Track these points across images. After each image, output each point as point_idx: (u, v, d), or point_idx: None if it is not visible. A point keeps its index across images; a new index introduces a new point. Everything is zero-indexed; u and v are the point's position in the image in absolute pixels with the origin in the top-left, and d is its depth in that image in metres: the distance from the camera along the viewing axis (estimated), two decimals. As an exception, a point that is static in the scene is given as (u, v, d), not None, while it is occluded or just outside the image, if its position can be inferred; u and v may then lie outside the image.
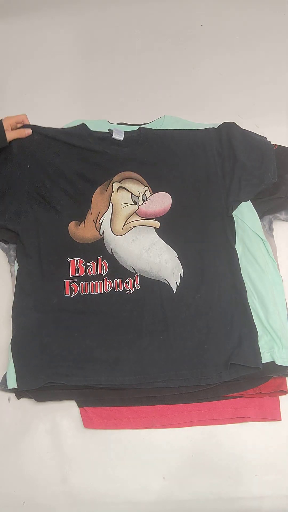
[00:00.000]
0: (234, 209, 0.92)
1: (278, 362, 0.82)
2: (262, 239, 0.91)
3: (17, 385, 0.81)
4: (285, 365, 0.82)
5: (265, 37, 1.23)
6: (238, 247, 0.91)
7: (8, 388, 0.82)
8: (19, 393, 0.85)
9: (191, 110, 1.12)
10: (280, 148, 1.00)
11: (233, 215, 0.92)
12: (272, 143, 1.00)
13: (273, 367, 0.82)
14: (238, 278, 0.87)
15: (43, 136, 0.95)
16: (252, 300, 0.87)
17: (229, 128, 0.97)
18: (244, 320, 0.84)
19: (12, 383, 0.82)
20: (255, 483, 0.81)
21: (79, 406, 0.86)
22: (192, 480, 0.81)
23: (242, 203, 0.93)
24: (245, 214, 0.93)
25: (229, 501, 0.80)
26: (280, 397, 0.85)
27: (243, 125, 1.03)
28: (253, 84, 1.17)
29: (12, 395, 0.86)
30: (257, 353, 0.81)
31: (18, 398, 0.86)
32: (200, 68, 1.20)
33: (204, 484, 0.81)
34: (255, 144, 0.96)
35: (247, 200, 0.93)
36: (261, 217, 0.95)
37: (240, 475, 0.81)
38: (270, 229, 0.97)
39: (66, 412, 0.85)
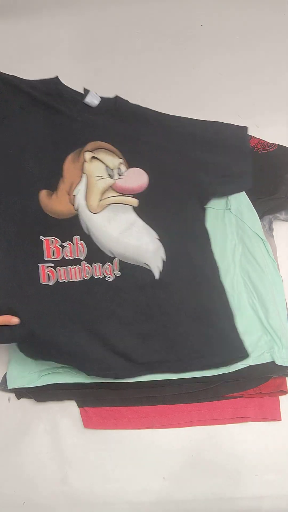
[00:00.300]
0: (209, 201, 0.90)
1: (278, 362, 0.81)
2: (262, 239, 0.91)
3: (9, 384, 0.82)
4: (285, 365, 0.82)
5: (265, 37, 1.23)
6: (238, 247, 0.91)
7: (8, 388, 0.82)
8: (19, 393, 0.85)
9: (191, 110, 1.11)
10: (280, 148, 1.00)
11: (233, 214, 0.92)
12: (271, 142, 1.00)
13: (273, 367, 0.82)
14: (215, 269, 0.86)
15: (5, 84, 0.85)
16: (252, 300, 0.87)
17: (202, 125, 0.95)
18: (225, 311, 0.84)
19: (12, 383, 0.82)
20: (255, 483, 0.81)
21: (79, 406, 0.86)
22: (192, 480, 0.81)
23: (242, 203, 0.93)
24: (245, 214, 0.92)
25: (229, 501, 0.80)
26: (280, 397, 0.85)
27: (243, 125, 1.02)
28: (253, 84, 1.17)
29: (12, 395, 0.86)
30: (239, 342, 0.81)
31: (18, 398, 0.86)
32: (200, 68, 1.20)
33: (204, 484, 0.81)
34: (230, 142, 0.95)
35: (230, 194, 0.92)
36: (261, 217, 0.95)
37: (240, 475, 0.81)
38: (270, 229, 0.97)
39: (66, 412, 0.85)
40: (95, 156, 0.84)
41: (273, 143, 1.00)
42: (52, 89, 0.88)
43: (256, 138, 1.01)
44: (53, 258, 0.80)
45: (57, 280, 0.80)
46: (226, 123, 0.98)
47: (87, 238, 0.81)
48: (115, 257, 0.82)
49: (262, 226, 0.94)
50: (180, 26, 1.25)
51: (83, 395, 0.85)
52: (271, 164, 0.98)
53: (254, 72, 1.19)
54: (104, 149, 0.86)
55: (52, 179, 0.82)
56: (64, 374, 0.83)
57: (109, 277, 0.81)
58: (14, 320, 0.77)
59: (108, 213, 0.83)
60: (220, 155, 0.92)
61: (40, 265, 0.79)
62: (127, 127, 0.89)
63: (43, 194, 0.81)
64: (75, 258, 0.80)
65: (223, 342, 0.81)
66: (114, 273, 0.81)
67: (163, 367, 0.81)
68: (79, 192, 0.83)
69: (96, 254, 0.81)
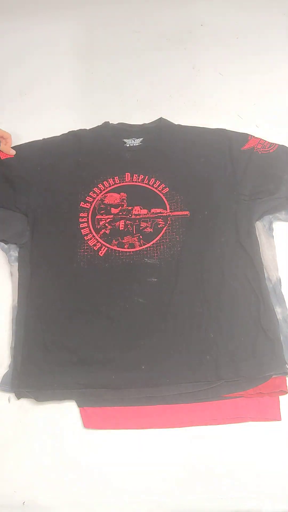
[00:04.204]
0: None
1: None
2: None
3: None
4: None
5: (265, 37, 1.23)
6: None
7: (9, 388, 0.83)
8: (19, 393, 0.85)
9: (191, 111, 1.12)
10: (280, 148, 1.00)
11: None
12: (272, 142, 1.00)
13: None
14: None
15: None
16: None
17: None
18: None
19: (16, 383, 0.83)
20: (255, 483, 0.81)
21: (79, 406, 0.85)
22: (192, 481, 0.81)
23: None
24: None
25: (229, 501, 0.80)
26: (280, 397, 0.85)
27: (243, 125, 1.03)
28: (253, 84, 1.17)
29: (12, 395, 0.86)
30: None
31: (18, 398, 0.86)
32: (200, 68, 1.20)
33: (204, 484, 0.81)
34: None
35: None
36: (261, 217, 0.95)
37: (240, 475, 0.81)
38: (270, 229, 0.97)
39: (66, 412, 0.85)
40: None
41: (273, 143, 1.00)
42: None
43: (256, 138, 1.01)
44: None
45: None
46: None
47: None
48: None
49: (262, 226, 0.94)
50: (180, 26, 1.25)
51: (83, 395, 0.85)
52: (271, 164, 0.98)
53: (254, 72, 1.19)
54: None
55: None
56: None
57: None
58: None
59: None
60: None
61: None
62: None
63: None
64: None
65: None
66: None
67: None
68: None
69: None
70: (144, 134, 1.04)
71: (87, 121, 1.07)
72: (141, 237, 0.92)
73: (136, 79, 1.19)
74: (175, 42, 1.23)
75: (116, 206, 0.96)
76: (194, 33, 1.24)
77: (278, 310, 0.89)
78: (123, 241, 0.92)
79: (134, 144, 1.03)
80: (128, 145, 1.03)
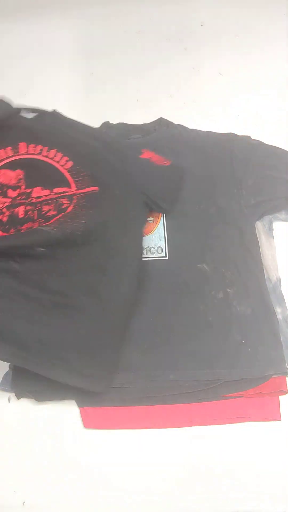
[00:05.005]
0: None
1: None
2: None
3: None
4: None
5: (265, 37, 1.23)
6: None
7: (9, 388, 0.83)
8: (19, 393, 0.85)
9: (191, 110, 1.12)
10: (279, 148, 1.00)
11: None
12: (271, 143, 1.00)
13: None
14: None
15: None
16: None
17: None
18: None
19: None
20: (255, 483, 0.81)
21: (79, 406, 0.86)
22: (192, 481, 0.81)
23: None
24: None
25: (229, 501, 0.80)
26: (280, 397, 0.85)
27: (243, 125, 1.02)
28: (253, 84, 1.17)
29: (12, 395, 0.86)
30: None
31: (18, 398, 0.86)
32: (200, 68, 1.20)
33: (204, 484, 0.81)
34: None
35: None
36: (261, 217, 0.95)
37: (240, 475, 0.81)
38: (270, 229, 0.97)
39: (66, 412, 0.85)
40: None
41: (272, 144, 0.99)
42: None
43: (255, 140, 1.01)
44: None
45: None
46: None
47: None
48: None
49: (262, 226, 0.95)
50: (180, 26, 1.25)
51: (83, 395, 0.84)
52: (270, 164, 0.98)
53: (254, 72, 1.19)
54: None
55: None
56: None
57: None
58: None
59: None
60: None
61: None
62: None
63: None
64: None
65: None
66: None
67: None
68: None
69: None
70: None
71: (87, 121, 1.06)
72: (42, 221, 0.78)
73: (136, 79, 1.19)
74: (175, 42, 1.23)
75: (13, 188, 0.81)
76: (194, 33, 1.24)
77: (278, 310, 0.89)
78: (22, 228, 0.77)
79: None
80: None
